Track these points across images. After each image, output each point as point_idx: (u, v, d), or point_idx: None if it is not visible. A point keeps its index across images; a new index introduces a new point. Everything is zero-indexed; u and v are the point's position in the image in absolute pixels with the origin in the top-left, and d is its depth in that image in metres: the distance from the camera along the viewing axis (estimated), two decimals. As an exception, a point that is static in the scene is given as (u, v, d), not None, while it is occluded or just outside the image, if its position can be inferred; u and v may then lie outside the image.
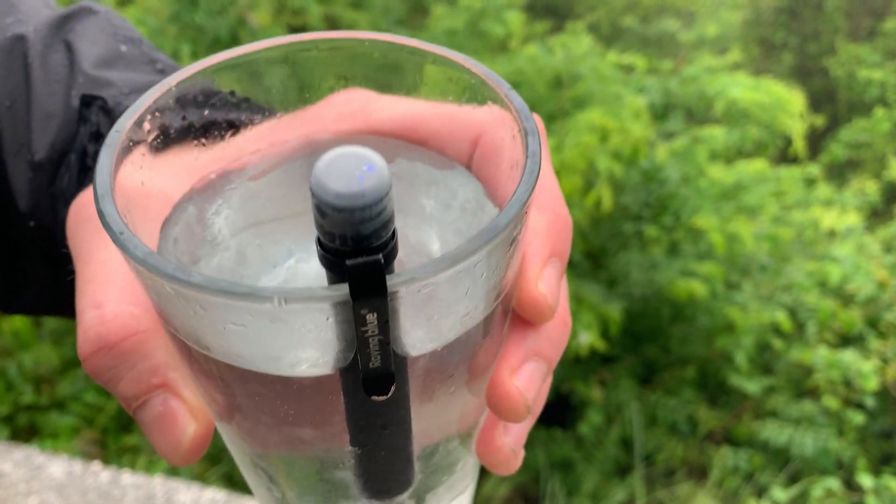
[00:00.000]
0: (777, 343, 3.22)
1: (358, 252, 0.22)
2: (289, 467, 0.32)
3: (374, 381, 0.25)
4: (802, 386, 3.19)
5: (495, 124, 0.29)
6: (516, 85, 2.20)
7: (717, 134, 3.01)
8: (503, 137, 0.29)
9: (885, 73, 6.58)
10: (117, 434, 2.47)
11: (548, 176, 0.31)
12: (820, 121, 4.21)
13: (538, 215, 0.30)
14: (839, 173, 5.24)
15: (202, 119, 0.30)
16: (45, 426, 2.42)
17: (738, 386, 3.07)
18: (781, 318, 3.02)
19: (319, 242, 0.23)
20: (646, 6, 7.33)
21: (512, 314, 0.32)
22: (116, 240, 0.24)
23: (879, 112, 6.01)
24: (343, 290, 0.22)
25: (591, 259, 3.13)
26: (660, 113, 2.83)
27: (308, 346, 0.25)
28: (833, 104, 6.68)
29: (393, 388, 0.26)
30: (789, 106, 2.74)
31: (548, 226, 0.31)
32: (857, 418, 2.99)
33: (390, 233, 0.23)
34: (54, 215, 0.39)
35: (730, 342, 3.05)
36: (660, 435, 3.05)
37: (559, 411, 3.08)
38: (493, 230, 0.24)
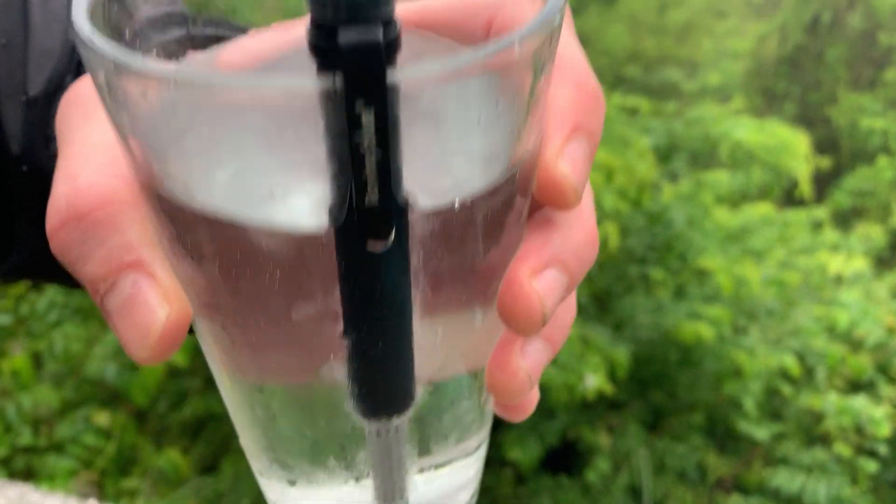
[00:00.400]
0: (786, 388, 3.18)
1: (353, 24, 0.19)
2: (275, 372, 0.28)
3: (370, 219, 0.21)
4: (813, 432, 3.14)
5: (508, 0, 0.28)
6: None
7: (721, 178, 3.01)
8: (519, 10, 0.27)
9: (887, 122, 6.63)
10: (116, 477, 2.42)
11: (572, 47, 0.28)
12: (825, 162, 4.22)
13: (561, 88, 0.27)
14: (844, 220, 5.24)
15: (205, 35, 0.29)
16: (43, 469, 2.38)
17: (747, 432, 3.02)
18: (790, 362, 2.99)
19: (309, 30, 0.20)
20: (648, 56, 7.43)
21: (532, 220, 0.29)
22: (83, 44, 0.21)
23: (882, 160, 6.04)
24: (331, 78, 0.19)
25: (596, 302, 3.11)
26: (664, 154, 2.84)
27: (295, 173, 0.23)
28: (836, 152, 6.71)
29: (393, 235, 0.22)
30: (794, 148, 2.75)
31: (572, 99, 0.27)
32: (870, 466, 2.93)
33: (391, 10, 0.20)
34: (49, 156, 0.38)
35: (738, 387, 3.01)
36: (668, 482, 2.99)
37: (566, 458, 3.03)
38: (510, 42, 0.21)
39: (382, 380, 0.26)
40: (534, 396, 0.35)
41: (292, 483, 0.30)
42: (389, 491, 0.29)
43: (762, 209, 3.09)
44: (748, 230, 3.04)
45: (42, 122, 0.38)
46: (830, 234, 3.89)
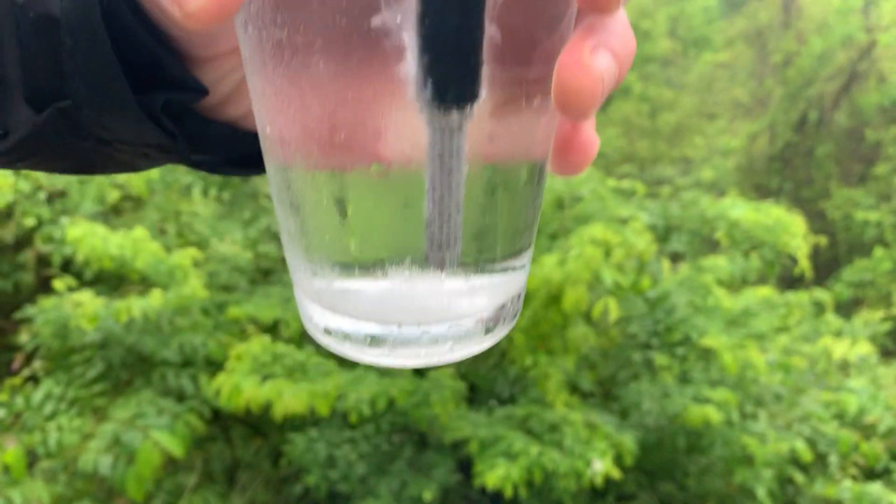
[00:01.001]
0: (798, 476, 3.09)
1: None
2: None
3: None
4: (830, 522, 3.03)
5: None
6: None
7: (720, 263, 3.03)
8: None
9: (881, 214, 6.72)
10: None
11: None
12: (823, 240, 4.26)
13: None
14: (846, 312, 5.24)
15: None
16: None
17: (761, 523, 2.92)
18: (801, 448, 2.92)
19: None
20: (642, 157, 7.61)
21: (578, 26, 0.30)
22: None
23: (879, 251, 6.09)
24: None
25: (602, 390, 3.07)
26: (662, 235, 2.87)
27: None
28: (833, 246, 6.77)
29: None
30: (791, 227, 2.77)
31: None
32: (892, 556, 2.82)
33: None
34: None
35: (749, 476, 2.93)
36: (683, 577, 2.87)
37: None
38: None
39: (453, 60, 0.26)
40: (594, 140, 0.35)
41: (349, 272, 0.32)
42: (443, 230, 0.29)
43: (763, 292, 3.09)
44: (750, 314, 3.03)
45: None
46: (833, 320, 3.88)
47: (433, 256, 0.30)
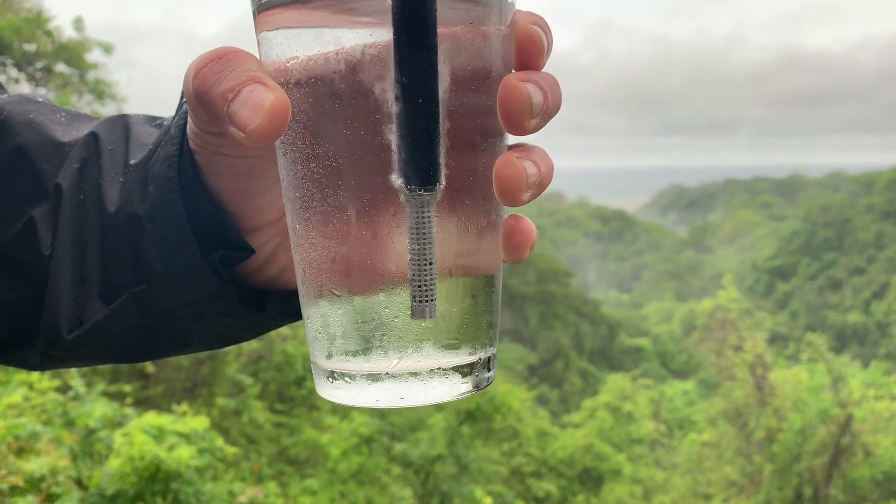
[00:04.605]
0: None
1: None
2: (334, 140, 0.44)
3: None
4: None
5: None
6: None
7: None
8: None
9: None
10: None
11: None
12: None
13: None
14: None
15: None
16: None
17: None
18: None
19: None
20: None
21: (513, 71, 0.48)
22: None
23: None
24: None
25: None
26: None
27: None
28: None
29: None
30: None
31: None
32: None
33: None
34: (143, 197, 0.57)
35: None
36: None
37: None
38: None
39: (419, 146, 0.41)
40: (532, 228, 0.50)
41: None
42: (423, 287, 0.42)
43: None
44: None
45: (141, 178, 0.58)
46: None
47: (416, 309, 0.42)
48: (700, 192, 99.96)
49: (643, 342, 35.82)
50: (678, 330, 37.59)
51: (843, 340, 40.65)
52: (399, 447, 13.00)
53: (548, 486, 16.83)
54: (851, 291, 45.12)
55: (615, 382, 23.14)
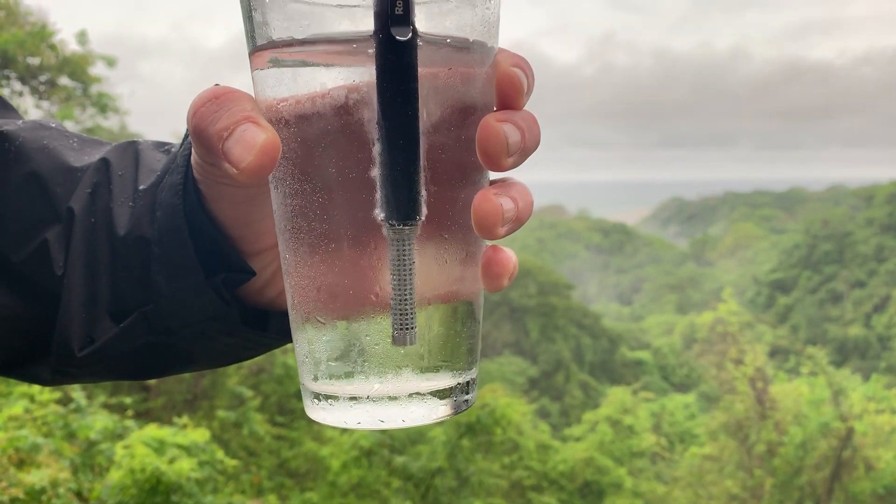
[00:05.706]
0: None
1: None
2: (320, 174, 0.47)
3: (396, 19, 0.41)
4: None
5: None
6: None
7: None
8: None
9: None
10: None
11: None
12: None
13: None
14: None
15: None
16: None
17: None
18: None
19: None
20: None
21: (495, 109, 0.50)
22: None
23: None
24: None
25: None
26: None
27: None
28: None
29: (411, 34, 0.42)
30: None
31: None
32: None
33: None
34: (151, 221, 0.59)
35: None
36: None
37: None
38: None
39: (401, 185, 0.43)
40: (511, 257, 0.52)
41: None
42: (404, 315, 0.44)
43: None
44: None
45: (150, 200, 0.60)
46: None
47: (398, 336, 0.44)
48: (701, 205, 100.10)
49: (644, 355, 35.77)
50: (679, 343, 37.56)
51: (843, 354, 40.60)
52: (399, 460, 12.99)
53: (548, 500, 16.80)
54: (852, 305, 45.11)
55: (616, 395, 23.13)
